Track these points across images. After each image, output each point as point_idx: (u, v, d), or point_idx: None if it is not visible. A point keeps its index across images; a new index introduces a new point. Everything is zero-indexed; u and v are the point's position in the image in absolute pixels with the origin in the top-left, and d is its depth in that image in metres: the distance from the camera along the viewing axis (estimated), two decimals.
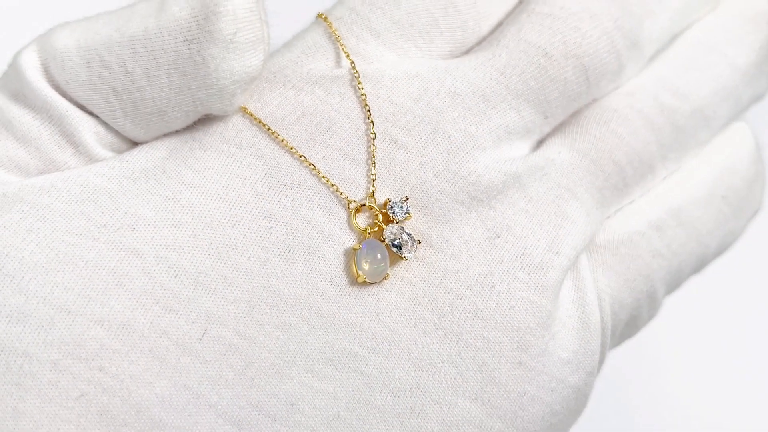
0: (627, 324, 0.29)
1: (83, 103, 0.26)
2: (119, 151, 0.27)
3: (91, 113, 0.26)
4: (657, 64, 0.29)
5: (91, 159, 0.26)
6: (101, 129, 0.26)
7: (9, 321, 0.23)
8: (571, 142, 0.28)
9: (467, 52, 0.28)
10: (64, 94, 0.26)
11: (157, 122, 0.26)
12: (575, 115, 0.29)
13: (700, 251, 0.29)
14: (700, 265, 0.30)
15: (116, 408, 0.23)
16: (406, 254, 0.25)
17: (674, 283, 0.29)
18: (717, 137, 0.30)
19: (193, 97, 0.25)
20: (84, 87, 0.25)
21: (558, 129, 0.28)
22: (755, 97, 0.30)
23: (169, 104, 0.25)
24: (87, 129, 0.26)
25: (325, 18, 0.28)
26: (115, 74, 0.25)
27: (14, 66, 0.26)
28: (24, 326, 0.23)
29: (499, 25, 0.29)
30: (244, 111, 0.26)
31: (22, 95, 0.26)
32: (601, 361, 0.28)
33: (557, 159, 0.27)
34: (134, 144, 0.27)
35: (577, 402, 0.27)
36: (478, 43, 0.28)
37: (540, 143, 0.28)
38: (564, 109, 0.28)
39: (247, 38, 0.25)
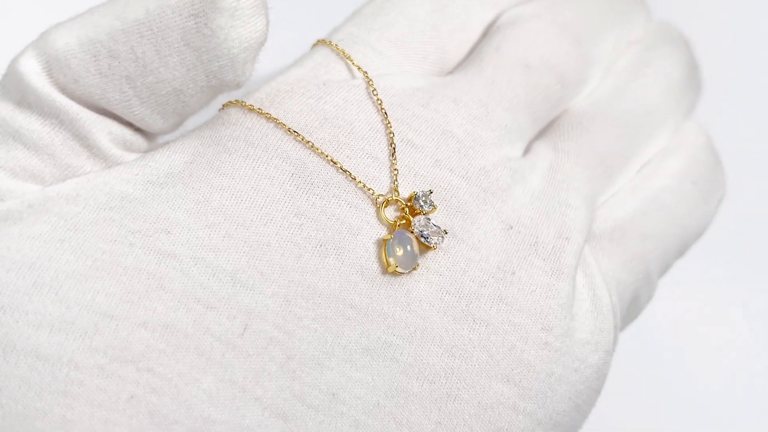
0: (630, 306, 0.31)
1: (97, 98, 0.26)
2: (134, 150, 0.27)
3: (102, 113, 0.26)
4: (609, 77, 0.32)
5: (106, 161, 0.26)
6: (115, 128, 0.26)
7: (51, 331, 0.23)
8: (554, 143, 0.30)
9: (452, 72, 0.31)
10: (72, 96, 0.25)
11: (174, 103, 0.26)
12: (551, 123, 0.31)
13: (682, 233, 0.32)
14: (683, 247, 0.33)
15: (166, 407, 0.23)
16: (434, 243, 0.26)
17: (664, 265, 0.32)
18: (675, 135, 0.33)
19: (206, 71, 0.26)
20: (95, 81, 0.25)
21: (540, 135, 0.31)
22: (690, 106, 0.34)
23: (184, 82, 0.26)
24: (100, 130, 0.26)
25: (329, 42, 0.29)
26: (125, 62, 0.25)
27: (13, 75, 0.25)
28: (67, 334, 0.23)
29: (472, 51, 0.31)
30: (268, 117, 0.27)
31: (26, 103, 0.25)
32: (615, 342, 0.29)
33: (547, 158, 0.30)
34: (148, 140, 0.27)
35: (598, 381, 0.28)
36: (458, 66, 0.31)
37: (528, 148, 0.31)
38: (548, 113, 0.31)
39: (250, 4, 0.25)
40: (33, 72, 0.25)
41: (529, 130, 0.30)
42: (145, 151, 0.28)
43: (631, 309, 0.31)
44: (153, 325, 0.24)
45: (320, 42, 0.29)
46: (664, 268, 0.32)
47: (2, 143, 0.25)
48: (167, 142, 0.27)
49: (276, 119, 0.27)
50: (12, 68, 0.26)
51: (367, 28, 0.30)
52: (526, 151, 0.30)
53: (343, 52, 0.29)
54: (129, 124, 0.27)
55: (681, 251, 0.33)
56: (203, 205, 0.25)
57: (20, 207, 0.25)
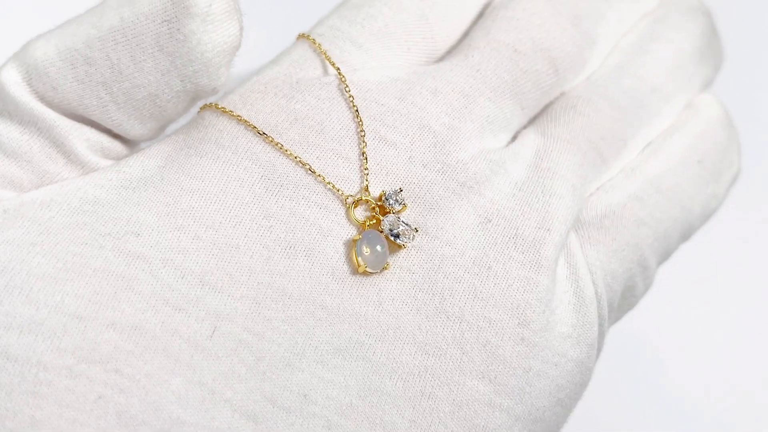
0: (623, 295, 0.30)
1: (75, 105, 0.26)
2: (111, 157, 0.27)
3: (80, 120, 0.27)
4: (612, 56, 0.31)
5: (83, 167, 0.27)
6: (92, 135, 0.27)
7: (21, 332, 0.24)
8: (544, 129, 0.30)
9: (440, 59, 0.30)
10: (50, 105, 0.26)
11: (150, 108, 0.27)
12: (545, 107, 0.30)
13: (684, 216, 0.30)
14: (687, 230, 0.31)
15: (134, 408, 0.24)
16: (404, 242, 0.26)
17: (664, 251, 0.31)
18: (685, 111, 0.32)
19: (181, 75, 0.26)
20: (73, 88, 0.26)
21: (531, 121, 0.30)
22: (705, 80, 0.33)
23: (159, 86, 0.26)
24: (77, 137, 0.27)
25: (308, 36, 0.29)
26: (101, 68, 0.26)
27: None
28: (36, 336, 0.24)
29: (465, 35, 0.31)
30: (239, 119, 0.27)
31: (6, 112, 0.26)
32: (601, 335, 0.29)
33: (534, 145, 0.29)
34: (127, 147, 0.28)
35: (581, 375, 0.28)
36: (449, 53, 0.30)
37: (516, 136, 0.30)
38: (538, 101, 0.30)
39: (222, 9, 0.26)
40: (13, 82, 0.26)
41: (516, 119, 0.30)
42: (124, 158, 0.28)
43: (626, 298, 0.30)
44: (121, 326, 0.24)
45: (301, 36, 0.29)
46: (665, 255, 0.31)
47: None
48: (143, 148, 0.28)
49: (246, 121, 0.27)
50: None
51: (350, 20, 0.29)
52: (514, 139, 0.30)
53: (320, 47, 0.29)
54: (107, 131, 0.27)
55: (685, 236, 0.31)
56: (172, 208, 0.26)
57: None
